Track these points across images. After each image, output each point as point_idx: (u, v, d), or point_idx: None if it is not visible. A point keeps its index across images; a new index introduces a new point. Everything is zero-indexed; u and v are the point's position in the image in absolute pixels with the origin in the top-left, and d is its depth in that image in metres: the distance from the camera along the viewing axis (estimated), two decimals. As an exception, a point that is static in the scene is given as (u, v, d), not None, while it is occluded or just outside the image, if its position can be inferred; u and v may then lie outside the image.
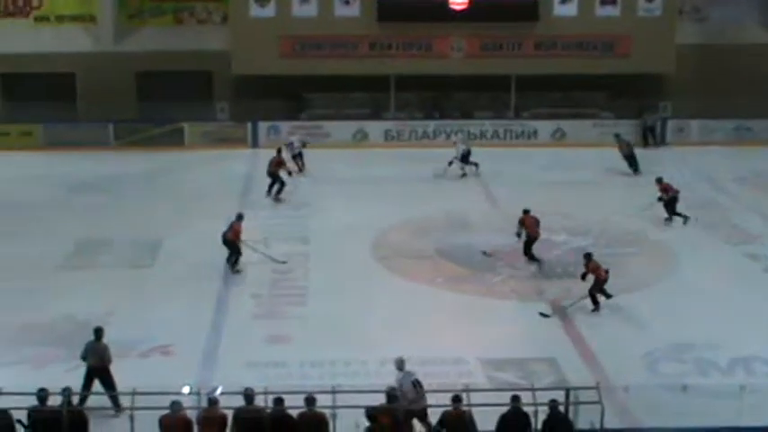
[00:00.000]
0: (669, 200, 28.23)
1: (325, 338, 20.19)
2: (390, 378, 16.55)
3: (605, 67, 38.13)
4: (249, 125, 37.39)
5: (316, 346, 19.91)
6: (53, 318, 21.54)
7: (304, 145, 34.37)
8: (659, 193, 28.35)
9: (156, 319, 21.23)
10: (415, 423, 15.64)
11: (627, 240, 27.05)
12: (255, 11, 37.41)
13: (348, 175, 33.67)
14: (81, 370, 17.67)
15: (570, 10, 38.26)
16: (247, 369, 18.65)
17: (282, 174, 30.55)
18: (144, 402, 15.02)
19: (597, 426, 15.35)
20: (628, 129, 37.53)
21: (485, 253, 25.48)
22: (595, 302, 21.90)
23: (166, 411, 14.76)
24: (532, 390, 15.55)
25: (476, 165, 33.51)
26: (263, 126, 37.61)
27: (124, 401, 15.19)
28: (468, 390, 15.47)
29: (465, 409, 15.03)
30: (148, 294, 22.92)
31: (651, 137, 38.23)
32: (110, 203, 30.23)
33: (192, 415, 14.98)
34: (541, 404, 15.11)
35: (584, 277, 21.96)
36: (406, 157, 35.20)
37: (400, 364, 16.51)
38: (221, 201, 29.86)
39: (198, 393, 15.29)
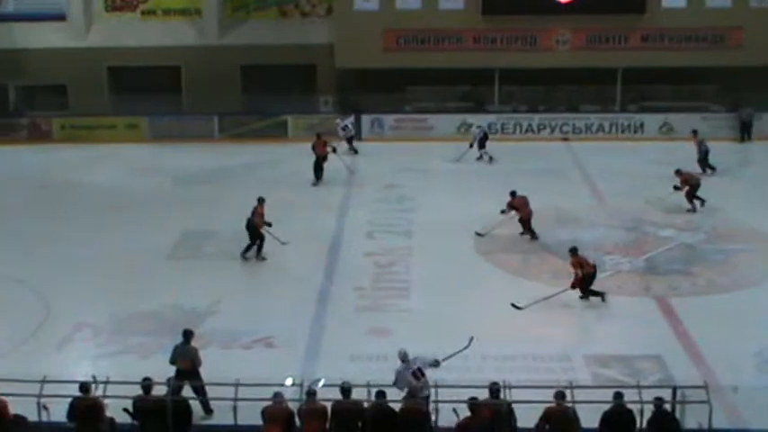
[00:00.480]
0: (691, 188, 28.29)
1: (427, 332, 20.03)
2: (493, 373, 16.42)
3: (715, 60, 37.31)
4: (353, 118, 37.43)
5: (418, 339, 19.69)
6: (159, 307, 21.84)
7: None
8: (680, 184, 28.30)
9: (259, 311, 21.37)
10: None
11: (737, 236, 26.37)
12: (359, 4, 37.48)
13: (451, 169, 33.49)
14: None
15: (679, 1, 37.55)
16: (350, 362, 18.64)
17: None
18: (247, 393, 15.09)
19: (705, 426, 14.95)
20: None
21: (478, 233, 25.83)
22: (594, 294, 21.73)
23: (269, 402, 14.80)
24: (638, 387, 15.24)
25: (489, 157, 34.00)
26: (366, 119, 37.65)
27: (227, 392, 15.26)
28: (572, 386, 15.23)
29: (569, 405, 14.80)
30: (252, 286, 23.15)
31: (746, 132, 37.30)
32: (214, 195, 30.54)
33: (294, 407, 15.00)
34: (647, 402, 14.80)
35: (583, 277, 21.58)
36: (509, 151, 34.90)
37: (404, 357, 16.28)
38: (324, 193, 30.00)
39: (300, 385, 15.28)
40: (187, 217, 28.23)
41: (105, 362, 19.34)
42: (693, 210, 28.36)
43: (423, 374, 15.92)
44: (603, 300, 21.77)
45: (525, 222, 25.92)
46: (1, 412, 14.94)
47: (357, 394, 14.97)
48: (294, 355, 19.07)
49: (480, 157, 34.24)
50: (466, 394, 14.93)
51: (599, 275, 22.23)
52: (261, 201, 25.43)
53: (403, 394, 15.38)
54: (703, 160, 32.51)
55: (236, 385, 14.77)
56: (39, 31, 39.09)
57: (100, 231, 27.04)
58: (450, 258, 24.73)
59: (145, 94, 38.18)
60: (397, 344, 19.47)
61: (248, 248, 24.89)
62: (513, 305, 21.36)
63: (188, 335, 17.14)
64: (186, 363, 16.81)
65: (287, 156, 34.89)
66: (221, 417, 15.39)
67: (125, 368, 17.73)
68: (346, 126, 34.89)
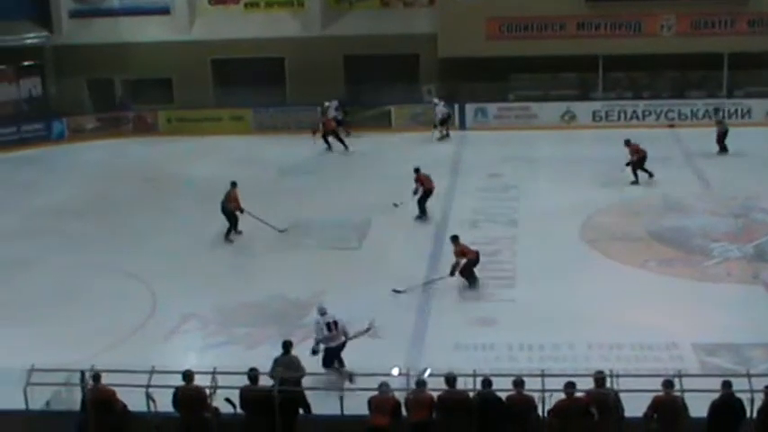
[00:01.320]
0: (638, 160, 29.29)
1: (533, 321, 19.84)
2: (600, 362, 16.18)
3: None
4: (456, 107, 37.21)
5: (524, 328, 19.59)
6: (265, 297, 21.97)
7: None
8: (629, 157, 29.39)
9: (364, 301, 21.29)
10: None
11: None
12: (462, -7, 37.23)
13: (556, 157, 33.08)
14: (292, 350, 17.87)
15: (786, -15, 36.56)
16: (455, 351, 18.49)
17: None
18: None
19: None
20: None
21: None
22: (472, 282, 22.06)
23: (375, 393, 14.74)
24: (747, 376, 14.77)
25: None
26: (470, 108, 37.40)
27: (319, 381, 15.17)
28: (680, 375, 14.85)
29: (677, 394, 14.43)
30: (356, 275, 23.05)
31: None
32: (318, 185, 30.64)
33: (400, 397, 14.91)
34: (757, 391, 14.34)
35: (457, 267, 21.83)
36: (614, 138, 34.26)
37: (322, 310, 18.20)
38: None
39: (407, 375, 15.17)
40: (291, 207, 28.33)
41: (212, 352, 19.51)
42: (637, 182, 29.17)
43: (336, 327, 17.99)
44: (472, 286, 21.97)
45: (423, 198, 26.71)
46: (110, 401, 15.15)
47: (462, 384, 14.79)
48: (399, 345, 18.97)
49: (443, 137, 35.34)
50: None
51: (706, 262, 21.70)
52: (233, 185, 26.04)
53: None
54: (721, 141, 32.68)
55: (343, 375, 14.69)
56: (144, 26, 39.68)
57: (205, 223, 27.28)
58: (556, 247, 24.40)
59: (249, 86, 38.49)
60: (502, 333, 19.51)
61: (229, 231, 25.60)
62: (395, 290, 21.50)
63: (288, 345, 16.61)
64: (290, 373, 16.46)
65: (390, 145, 34.81)
66: (328, 407, 15.36)
67: (231, 359, 17.83)
68: (337, 108, 35.88)
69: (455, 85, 37.73)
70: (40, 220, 27.79)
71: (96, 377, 15.24)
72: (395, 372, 15.73)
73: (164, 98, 39.57)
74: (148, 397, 14.81)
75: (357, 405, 14.77)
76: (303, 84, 38.26)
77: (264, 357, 16.79)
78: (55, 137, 38.18)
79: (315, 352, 17.93)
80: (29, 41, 39.05)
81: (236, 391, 15.02)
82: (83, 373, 15.35)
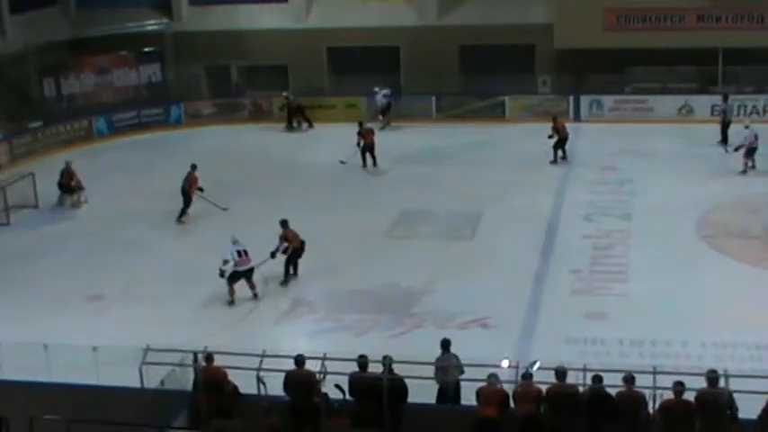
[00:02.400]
0: (560, 140, 31.04)
1: (645, 317, 19.56)
2: (713, 362, 15.90)
3: None
4: (571, 99, 36.77)
5: (636, 324, 19.32)
6: (376, 286, 22.07)
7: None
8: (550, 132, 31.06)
9: (475, 291, 21.25)
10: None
11: None
12: (580, -17, 36.70)
13: (672, 151, 32.42)
14: (401, 338, 17.95)
15: None
16: (566, 345, 18.34)
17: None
18: (465, 374, 14.99)
19: None
20: None
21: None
22: (287, 274, 22.75)
23: (483, 384, 14.66)
24: None
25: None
26: (585, 100, 36.91)
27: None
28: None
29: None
30: (468, 266, 22.98)
31: None
32: (431, 175, 30.59)
33: (508, 389, 14.81)
34: None
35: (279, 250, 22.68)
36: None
37: (234, 240, 22.02)
38: (543, 174, 29.64)
39: (516, 367, 15.06)
40: (404, 196, 28.39)
41: (321, 338, 19.69)
42: (555, 161, 30.84)
43: (246, 255, 21.85)
44: (284, 283, 22.64)
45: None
46: (221, 382, 15.37)
47: (572, 378, 14.62)
48: (508, 337, 18.89)
49: (383, 127, 35.83)
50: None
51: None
52: (193, 167, 27.31)
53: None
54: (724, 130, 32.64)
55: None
56: (260, 13, 40.00)
57: (318, 209, 27.49)
58: (670, 242, 23.99)
59: (363, 74, 38.58)
60: (613, 328, 19.27)
61: (182, 213, 27.03)
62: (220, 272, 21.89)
63: (447, 344, 16.33)
64: (448, 373, 16.25)
65: (504, 136, 34.58)
66: (435, 397, 15.32)
67: (340, 345, 17.93)
68: (386, 94, 35.87)
69: (570, 77, 37.23)
70: (158, 202, 28.30)
71: (209, 358, 15.49)
72: (504, 364, 15.61)
73: (279, 85, 39.91)
74: (259, 380, 14.96)
75: (465, 395, 14.70)
76: (418, 73, 38.19)
77: (374, 345, 16.86)
78: (173, 121, 38.80)
79: (222, 272, 21.66)
80: (149, 28, 39.76)
81: (346, 378, 15.07)
82: (195, 354, 15.60)
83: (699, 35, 36.09)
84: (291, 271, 23.02)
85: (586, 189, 28.48)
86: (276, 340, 19.07)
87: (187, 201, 27.32)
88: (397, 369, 14.89)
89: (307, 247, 23.89)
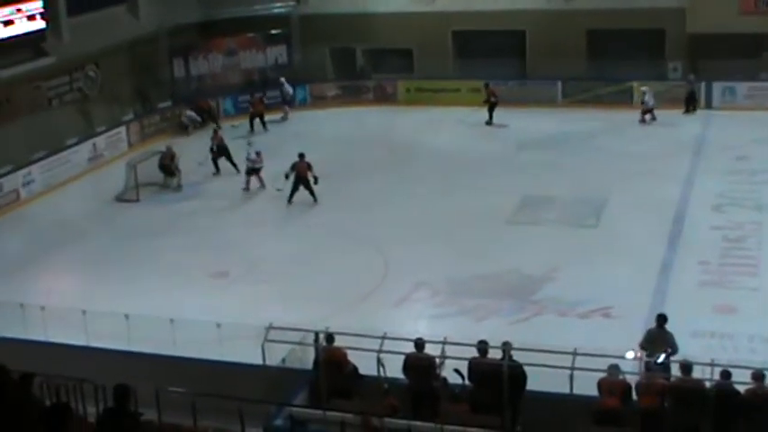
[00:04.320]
0: (492, 104, 34.36)
1: (775, 312, 18.99)
2: None
3: None
4: (703, 85, 35.88)
5: (766, 319, 18.74)
6: (497, 271, 21.89)
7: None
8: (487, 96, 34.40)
9: (598, 280, 20.92)
10: None
11: None
12: (714, -35, 35.72)
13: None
14: (521, 325, 17.76)
15: None
16: (691, 338, 17.83)
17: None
18: (583, 363, 14.72)
19: None
20: None
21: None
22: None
23: (605, 374, 14.40)
24: None
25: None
26: (717, 86, 35.96)
27: (560, 360, 14.88)
28: None
29: None
30: (592, 254, 22.64)
31: None
32: (555, 161, 30.20)
33: (631, 380, 14.52)
34: None
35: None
36: None
37: (250, 142, 29.69)
38: (671, 162, 29.00)
39: (640, 359, 14.75)
40: (528, 182, 28.11)
41: (441, 322, 19.61)
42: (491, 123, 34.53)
43: (260, 156, 28.83)
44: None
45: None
46: (341, 362, 15.43)
47: (698, 373, 14.25)
48: (632, 328, 18.34)
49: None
50: None
51: None
52: (301, 156, 27.50)
53: None
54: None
55: (574, 354, 14.41)
56: (387, -4, 40.05)
57: (441, 193, 27.44)
58: (806, 236, 23.23)
59: (489, 58, 38.30)
60: (742, 323, 18.74)
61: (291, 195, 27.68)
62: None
63: (662, 319, 16.23)
64: (660, 348, 16.02)
65: (631, 123, 33.93)
66: (557, 385, 15.13)
67: (460, 329, 17.80)
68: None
69: (702, 62, 36.30)
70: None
71: (329, 338, 15.57)
72: (629, 355, 15.32)
73: (404, 68, 39.87)
74: (379, 361, 14.96)
75: (586, 385, 14.45)
76: (544, 57, 37.71)
77: (494, 331, 16.70)
78: (298, 103, 39.13)
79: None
80: (277, 11, 40.10)
81: (465, 363, 14.97)
82: (317, 333, 15.68)
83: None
84: (311, 198, 27.02)
85: (717, 179, 27.68)
86: (396, 322, 19.06)
87: (298, 185, 27.30)
88: (517, 356, 14.74)
89: (429, 230, 23.93)
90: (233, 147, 30.88)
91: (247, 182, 29.09)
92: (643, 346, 15.93)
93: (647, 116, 33.98)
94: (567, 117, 35.21)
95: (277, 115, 36.90)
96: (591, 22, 37.47)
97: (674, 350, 15.63)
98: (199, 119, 36.34)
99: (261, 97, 36.95)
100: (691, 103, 35.26)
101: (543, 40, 37.93)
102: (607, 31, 37.34)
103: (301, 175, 27.31)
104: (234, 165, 30.30)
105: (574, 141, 32.35)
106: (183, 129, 35.96)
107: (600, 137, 32.73)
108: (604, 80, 37.13)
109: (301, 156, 27.51)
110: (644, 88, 34.49)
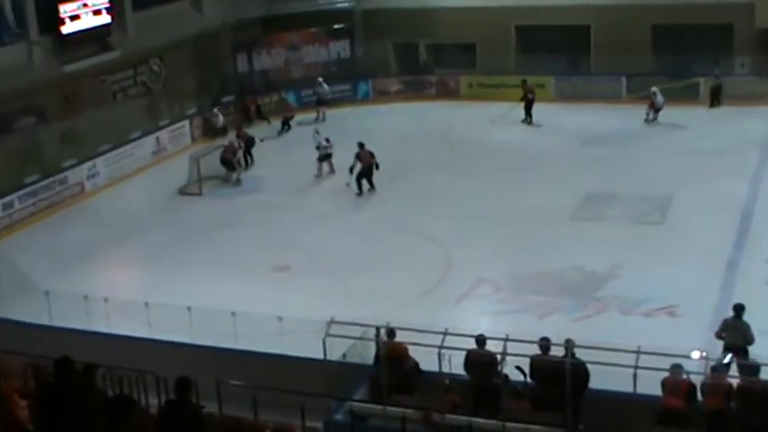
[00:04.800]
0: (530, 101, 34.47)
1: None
2: None
3: None
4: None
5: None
6: (560, 268, 21.74)
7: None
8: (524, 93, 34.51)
9: (663, 278, 20.64)
10: None
11: None
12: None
13: None
14: (584, 322, 17.58)
15: None
16: (760, 337, 17.33)
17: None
18: (647, 362, 14.52)
19: None
20: None
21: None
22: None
23: (668, 373, 14.19)
24: None
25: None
26: (787, 83, 35.30)
27: (626, 359, 14.69)
28: None
29: None
30: (656, 252, 22.36)
31: None
32: (619, 157, 29.87)
33: (695, 380, 14.29)
34: None
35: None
36: None
37: (317, 130, 30.17)
38: (738, 158, 28.52)
39: (706, 359, 14.51)
40: (591, 178, 27.84)
41: (503, 319, 19.47)
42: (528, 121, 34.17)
43: (329, 141, 29.61)
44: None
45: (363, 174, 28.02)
46: (402, 357, 15.38)
47: (765, 374, 13.98)
48: (697, 327, 18.18)
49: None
50: None
51: None
52: (361, 145, 28.02)
53: None
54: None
55: (637, 353, 14.21)
56: (450, -9, 39.88)
57: (503, 189, 27.28)
58: None
59: (552, 53, 38.01)
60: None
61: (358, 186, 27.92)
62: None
63: (739, 310, 16.31)
64: (737, 338, 16.10)
65: (697, 119, 33.47)
66: (620, 384, 14.95)
67: (522, 326, 17.68)
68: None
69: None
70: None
71: (391, 333, 15.52)
72: (695, 355, 15.06)
73: (466, 63, 39.70)
74: (440, 357, 14.88)
75: (650, 385, 14.25)
76: (609, 53, 37.32)
77: (556, 328, 16.55)
78: (360, 97, 39.18)
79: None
80: (340, 5, 40.18)
81: (527, 360, 14.85)
82: (378, 328, 15.64)
83: None
84: (368, 186, 27.40)
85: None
86: (458, 318, 18.97)
87: (364, 175, 27.61)
88: (579, 353, 14.59)
89: (491, 226, 23.83)
90: (300, 138, 30.92)
91: (319, 168, 29.52)
92: (719, 336, 15.82)
93: (651, 115, 33.57)
94: (632, 113, 34.71)
95: (310, 115, 36.49)
96: (657, 16, 37.03)
97: (750, 341, 15.48)
98: (222, 118, 34.88)
99: (254, 98, 36.95)
100: (716, 98, 34.78)
101: (608, 35, 37.54)
102: (673, 25, 36.86)
103: (365, 163, 27.41)
104: (251, 157, 31.14)
105: (638, 137, 31.99)
106: (219, 130, 34.33)
107: (665, 133, 32.33)
108: (670, 75, 36.63)
109: (361, 145, 27.79)
110: (653, 88, 33.97)
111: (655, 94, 33.74)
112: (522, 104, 34.72)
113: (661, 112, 33.39)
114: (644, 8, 37.18)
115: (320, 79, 37.40)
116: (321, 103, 37.06)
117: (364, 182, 27.60)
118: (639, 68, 36.79)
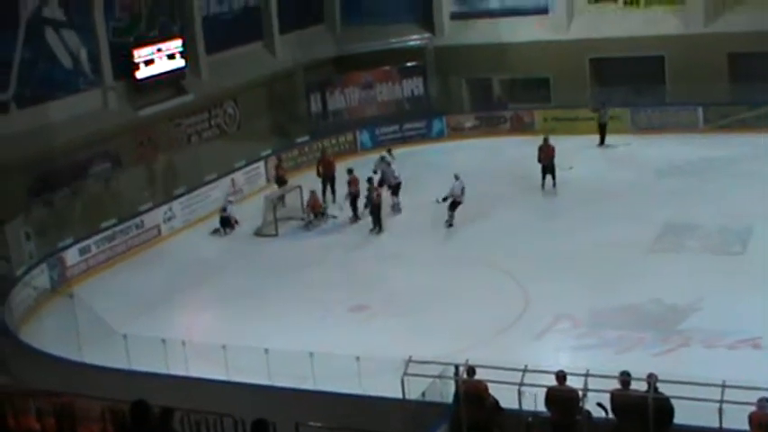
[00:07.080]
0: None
1: None
2: None
3: None
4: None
5: None
6: (639, 302, 21.43)
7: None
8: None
9: (746, 310, 20.25)
10: None
11: None
12: None
13: None
14: (665, 356, 17.26)
15: None
16: None
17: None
18: (733, 396, 14.21)
19: None
20: None
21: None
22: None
23: (754, 408, 13.85)
24: None
25: None
26: None
27: (711, 393, 14.38)
28: None
29: None
30: (738, 283, 21.94)
31: None
32: (697, 187, 29.47)
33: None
34: None
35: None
36: None
37: (457, 176, 27.78)
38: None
39: (792, 393, 14.14)
40: (669, 209, 27.47)
41: (582, 354, 19.25)
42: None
43: (463, 192, 27.77)
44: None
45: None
46: (481, 395, 15.23)
47: None
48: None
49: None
50: None
51: None
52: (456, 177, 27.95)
53: None
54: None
55: (722, 386, 13.91)
56: (521, 26, 39.75)
57: (581, 223, 27.03)
58: None
59: (627, 84, 37.73)
60: None
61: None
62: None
63: None
64: None
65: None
66: (705, 419, 14.64)
67: (602, 361, 17.44)
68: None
69: None
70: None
71: (470, 371, 15.38)
72: (781, 387, 14.70)
73: (541, 97, 39.58)
74: (520, 394, 14.71)
75: (737, 419, 13.91)
76: (684, 83, 36.93)
77: (636, 363, 16.28)
78: (435, 135, 39.18)
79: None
80: (412, 43, 40.34)
81: (608, 395, 14.60)
82: (457, 366, 15.52)
83: None
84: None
85: None
86: (537, 355, 18.81)
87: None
88: (662, 388, 14.28)
89: (569, 261, 23.65)
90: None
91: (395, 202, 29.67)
92: None
93: None
94: (709, 142, 34.30)
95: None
96: (732, 45, 36.53)
97: None
98: (235, 217, 30.30)
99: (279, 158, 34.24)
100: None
101: (683, 64, 37.14)
102: (750, 54, 36.34)
103: (457, 196, 27.78)
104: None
105: (716, 167, 31.50)
106: (227, 225, 30.06)
107: (743, 162, 31.78)
108: (747, 104, 36.13)
109: (457, 177, 27.93)
110: None
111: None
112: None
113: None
114: (719, 37, 36.75)
115: (386, 153, 32.25)
116: (383, 183, 30.04)
117: (458, 218, 27.77)
118: (716, 98, 36.31)
